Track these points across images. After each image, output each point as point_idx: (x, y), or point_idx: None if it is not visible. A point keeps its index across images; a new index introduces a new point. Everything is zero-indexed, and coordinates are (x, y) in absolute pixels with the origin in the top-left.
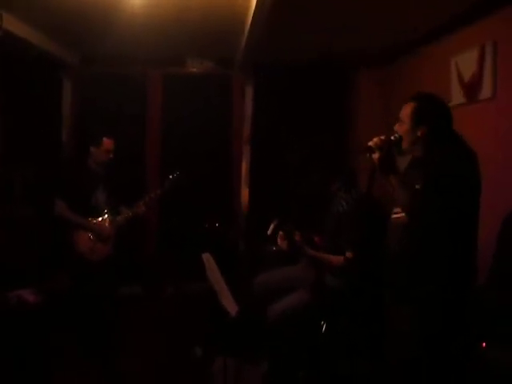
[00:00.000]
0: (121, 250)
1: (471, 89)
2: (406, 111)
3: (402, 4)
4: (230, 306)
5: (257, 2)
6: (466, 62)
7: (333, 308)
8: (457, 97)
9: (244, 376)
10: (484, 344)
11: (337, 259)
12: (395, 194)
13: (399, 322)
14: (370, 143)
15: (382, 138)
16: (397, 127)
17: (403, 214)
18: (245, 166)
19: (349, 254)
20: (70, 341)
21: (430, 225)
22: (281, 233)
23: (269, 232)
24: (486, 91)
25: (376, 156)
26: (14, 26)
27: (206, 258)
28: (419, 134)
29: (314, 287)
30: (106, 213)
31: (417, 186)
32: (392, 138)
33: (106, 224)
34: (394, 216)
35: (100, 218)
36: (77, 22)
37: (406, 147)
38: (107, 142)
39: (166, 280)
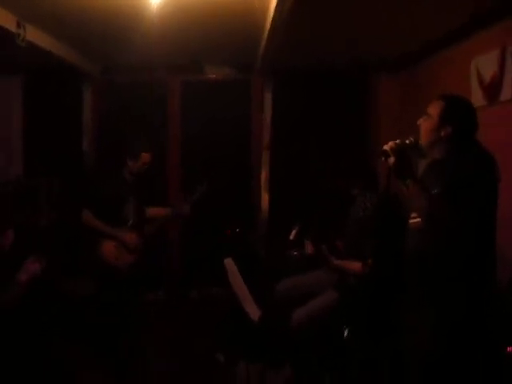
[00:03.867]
0: (145, 255)
1: (492, 90)
2: (435, 108)
3: (422, 7)
4: (253, 311)
5: (275, 7)
6: (486, 64)
7: (355, 310)
8: (477, 99)
9: (267, 381)
10: (509, 349)
11: (360, 266)
12: (412, 199)
13: (419, 325)
14: (385, 147)
15: (397, 141)
16: (421, 121)
17: (419, 219)
18: (265, 172)
19: (370, 261)
20: (92, 347)
21: (450, 229)
22: (308, 241)
23: (291, 237)
24: (506, 93)
25: (391, 160)
26: (36, 36)
27: (228, 263)
28: (443, 133)
29: (338, 286)
30: (133, 223)
31: (434, 191)
32: (407, 141)
33: (134, 235)
34: (411, 221)
35: (128, 229)
36: (97, 32)
37: (426, 145)
38: (145, 156)
39: (189, 285)
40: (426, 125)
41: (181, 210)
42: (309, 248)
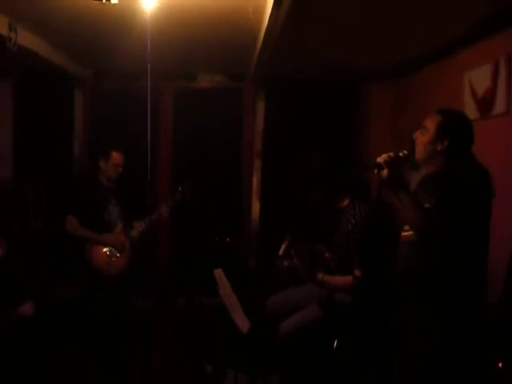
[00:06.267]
0: (134, 262)
1: (485, 104)
2: (432, 122)
3: (415, 19)
4: (242, 322)
5: (270, 17)
6: (479, 77)
7: (343, 324)
8: (470, 112)
9: None
10: (501, 364)
11: (348, 280)
12: (404, 212)
13: (410, 339)
14: (379, 159)
15: (391, 154)
16: (417, 135)
17: (412, 232)
18: (256, 180)
19: (357, 272)
20: (80, 353)
21: (442, 243)
22: (293, 252)
23: (280, 252)
24: (499, 106)
25: (385, 173)
26: (28, 40)
27: (218, 274)
28: (439, 148)
29: (323, 304)
30: (120, 226)
31: (426, 205)
32: (400, 154)
33: (121, 236)
34: (404, 233)
35: (114, 231)
36: (90, 37)
37: (421, 159)
38: (116, 156)
39: (178, 293)
40: (422, 138)
41: (159, 213)
42: (294, 258)
